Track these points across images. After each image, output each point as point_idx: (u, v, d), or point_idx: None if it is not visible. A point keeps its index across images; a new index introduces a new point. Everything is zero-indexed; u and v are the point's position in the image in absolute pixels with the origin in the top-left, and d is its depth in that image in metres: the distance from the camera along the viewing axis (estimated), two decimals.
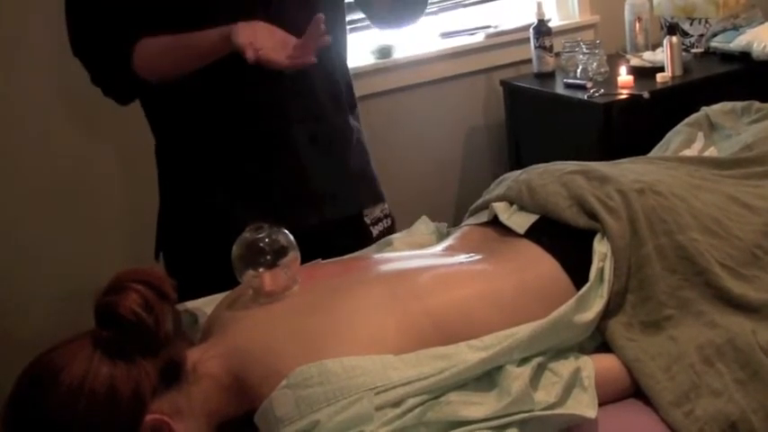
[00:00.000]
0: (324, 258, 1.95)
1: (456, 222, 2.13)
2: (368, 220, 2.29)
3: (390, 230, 2.33)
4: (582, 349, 1.65)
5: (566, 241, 1.78)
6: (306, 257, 1.75)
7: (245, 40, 1.87)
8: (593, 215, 1.78)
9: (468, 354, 1.51)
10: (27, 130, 3.29)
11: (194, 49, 1.99)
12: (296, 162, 2.15)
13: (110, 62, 2.06)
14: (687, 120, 2.41)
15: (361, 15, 3.72)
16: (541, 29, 3.89)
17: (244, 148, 2.12)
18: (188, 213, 2.21)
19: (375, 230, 2.29)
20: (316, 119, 2.17)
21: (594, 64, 3.72)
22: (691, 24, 4.01)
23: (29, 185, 3.33)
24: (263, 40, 1.89)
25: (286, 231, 1.70)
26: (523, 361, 1.53)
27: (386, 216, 2.35)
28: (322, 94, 2.18)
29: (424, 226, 2.14)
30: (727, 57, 3.81)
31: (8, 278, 3.33)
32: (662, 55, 3.66)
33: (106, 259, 3.30)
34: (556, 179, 1.89)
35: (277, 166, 2.14)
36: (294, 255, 1.69)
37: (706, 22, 3.95)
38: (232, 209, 2.13)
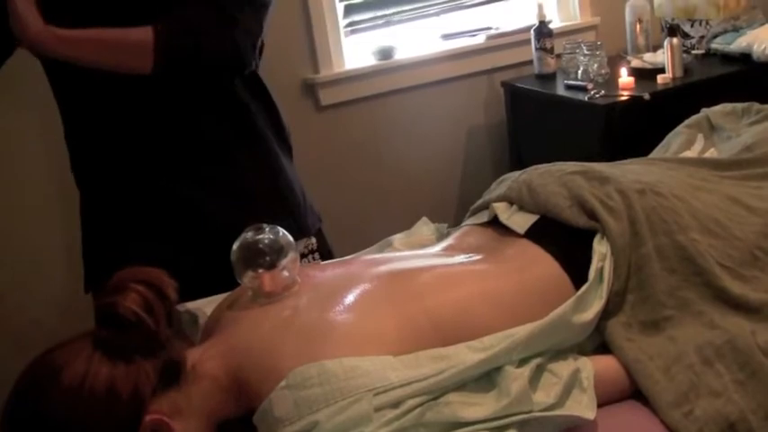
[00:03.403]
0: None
1: (457, 223, 2.13)
2: None
3: None
4: (581, 350, 1.65)
5: (566, 241, 1.78)
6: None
7: None
8: (592, 215, 1.78)
9: (468, 354, 1.51)
10: (29, 135, 3.29)
11: None
12: (190, 204, 2.09)
13: None
14: (687, 121, 2.41)
15: (361, 17, 3.76)
16: (542, 30, 3.89)
17: (138, 196, 2.10)
18: (110, 249, 2.16)
19: None
20: (209, 161, 2.11)
21: (595, 65, 3.73)
22: (691, 26, 4.01)
23: (30, 186, 3.33)
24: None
25: (285, 232, 1.70)
26: (523, 362, 1.53)
27: (311, 251, 2.25)
28: (213, 134, 2.10)
29: (424, 227, 2.15)
30: (727, 58, 3.81)
31: (8, 279, 3.33)
32: (662, 56, 3.67)
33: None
34: (556, 179, 1.89)
35: (175, 210, 2.10)
36: (294, 255, 1.69)
37: (707, 23, 3.95)
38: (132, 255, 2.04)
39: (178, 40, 1.94)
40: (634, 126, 3.40)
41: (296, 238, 2.04)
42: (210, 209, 2.09)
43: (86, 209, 2.20)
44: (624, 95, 3.50)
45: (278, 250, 1.67)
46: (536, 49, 3.92)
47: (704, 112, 2.41)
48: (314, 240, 2.27)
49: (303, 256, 2.21)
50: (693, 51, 3.96)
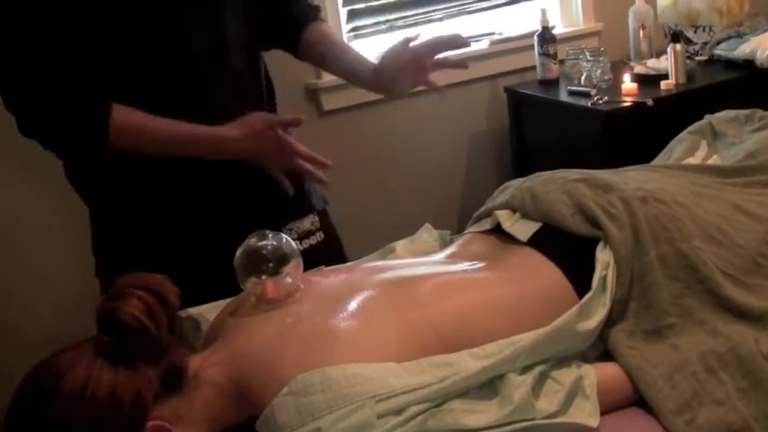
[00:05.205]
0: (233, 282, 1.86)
1: (459, 229, 2.13)
2: (291, 235, 2.08)
3: (324, 246, 2.26)
4: (584, 357, 1.65)
5: (568, 249, 1.78)
6: (221, 280, 1.74)
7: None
8: (595, 223, 1.78)
9: (470, 362, 1.51)
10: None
11: (184, 147, 1.98)
12: (201, 183, 2.07)
13: (76, 118, 1.92)
14: (690, 128, 2.40)
15: (365, 22, 3.76)
16: (545, 36, 3.89)
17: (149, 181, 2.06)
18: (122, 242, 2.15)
19: (302, 246, 2.17)
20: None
21: (598, 71, 3.72)
22: (695, 32, 4.01)
23: (35, 189, 3.33)
24: (268, 152, 2.00)
25: (289, 239, 1.71)
26: (525, 369, 1.54)
27: (317, 229, 2.26)
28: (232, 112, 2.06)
29: (427, 233, 2.15)
30: (730, 64, 3.81)
31: (12, 282, 3.33)
32: (666, 62, 3.66)
33: None
34: (559, 187, 1.89)
35: (185, 189, 2.07)
36: (297, 262, 1.69)
37: (710, 29, 3.95)
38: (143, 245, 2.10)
39: None
40: (637, 132, 3.39)
41: (300, 216, 2.19)
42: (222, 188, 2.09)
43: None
44: (627, 101, 3.50)
45: (281, 257, 1.67)
46: (539, 54, 3.92)
47: (707, 118, 2.41)
48: (317, 218, 2.27)
49: (309, 233, 2.23)
50: (697, 57, 3.96)
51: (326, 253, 2.21)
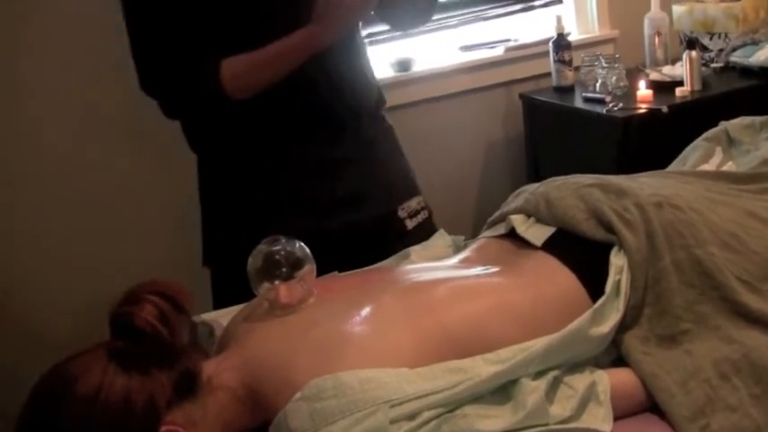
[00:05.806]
0: (357, 258, 2.04)
1: (474, 235, 2.13)
2: (403, 214, 2.35)
3: (428, 222, 2.42)
4: (597, 363, 1.65)
5: (582, 254, 1.78)
6: (337, 259, 1.83)
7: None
8: (610, 228, 1.78)
9: (484, 367, 1.51)
10: (62, 135, 3.29)
11: (284, 60, 2.08)
12: (325, 166, 2.23)
13: (197, 89, 2.11)
14: (705, 134, 2.40)
15: (379, 28, 3.76)
16: (561, 43, 3.89)
17: (277, 156, 2.20)
18: (230, 225, 2.29)
19: (412, 223, 2.36)
20: (343, 123, 2.24)
21: (613, 78, 3.72)
22: (710, 39, 4.00)
23: (62, 191, 3.34)
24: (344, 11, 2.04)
25: (302, 244, 1.70)
26: (539, 374, 1.53)
27: (422, 208, 2.42)
28: (349, 97, 2.25)
29: (441, 239, 2.15)
30: (746, 72, 3.80)
31: (33, 285, 3.34)
32: (681, 69, 3.66)
33: (142, 268, 3.29)
34: (573, 192, 1.89)
35: (308, 172, 2.22)
36: (310, 267, 1.69)
37: (725, 36, 3.94)
38: (269, 216, 2.20)
39: None
40: (652, 139, 3.39)
41: (410, 196, 2.38)
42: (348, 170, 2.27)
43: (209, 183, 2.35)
44: (642, 108, 3.50)
45: (294, 262, 1.67)
46: (554, 61, 3.92)
47: (723, 125, 2.40)
48: (422, 198, 2.46)
49: (416, 212, 2.40)
50: (712, 64, 3.95)
51: (430, 229, 2.35)
